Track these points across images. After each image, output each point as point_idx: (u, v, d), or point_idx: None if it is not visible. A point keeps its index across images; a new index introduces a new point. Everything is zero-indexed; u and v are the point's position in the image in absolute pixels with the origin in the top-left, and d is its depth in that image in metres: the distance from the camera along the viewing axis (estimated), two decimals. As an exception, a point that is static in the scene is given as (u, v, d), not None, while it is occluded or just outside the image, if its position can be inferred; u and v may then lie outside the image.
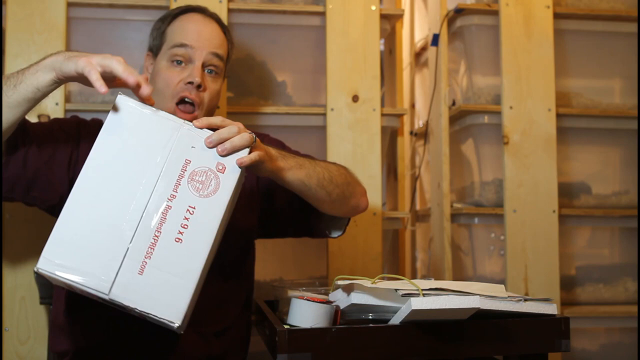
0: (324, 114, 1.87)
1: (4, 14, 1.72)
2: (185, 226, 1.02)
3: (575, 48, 2.09)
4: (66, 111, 1.74)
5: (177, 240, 1.01)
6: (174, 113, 1.36)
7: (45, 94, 1.16)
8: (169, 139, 1.07)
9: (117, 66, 1.08)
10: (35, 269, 0.98)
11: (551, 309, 1.14)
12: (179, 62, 1.38)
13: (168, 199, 1.03)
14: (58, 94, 1.73)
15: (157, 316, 0.98)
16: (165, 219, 1.02)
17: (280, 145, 1.53)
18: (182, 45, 1.38)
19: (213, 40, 1.42)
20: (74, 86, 1.81)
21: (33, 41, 1.73)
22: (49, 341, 1.50)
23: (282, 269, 1.88)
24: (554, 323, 1.13)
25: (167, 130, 1.07)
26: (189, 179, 1.05)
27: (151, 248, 1.00)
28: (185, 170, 1.05)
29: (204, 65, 1.39)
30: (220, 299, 1.37)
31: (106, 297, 0.98)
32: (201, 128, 1.09)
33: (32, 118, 1.70)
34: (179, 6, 1.51)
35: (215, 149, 1.08)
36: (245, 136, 1.10)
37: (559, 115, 1.99)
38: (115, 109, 1.07)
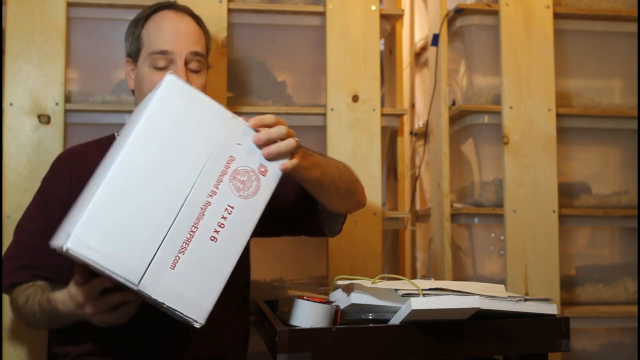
0: (324, 114, 1.87)
1: (4, 14, 1.72)
2: (222, 225, 1.00)
3: (575, 48, 2.09)
4: (66, 111, 1.73)
5: (212, 238, 0.99)
6: None
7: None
8: (216, 131, 1.03)
9: None
10: (65, 248, 0.94)
11: (551, 309, 1.14)
12: (161, 67, 1.38)
13: (209, 194, 1.00)
14: (58, 94, 1.73)
15: (182, 313, 0.97)
16: (203, 214, 0.99)
17: None
18: (161, 52, 1.37)
19: (190, 38, 1.41)
20: (74, 86, 1.81)
21: (33, 41, 1.73)
22: (49, 343, 1.50)
23: (282, 269, 1.88)
24: (554, 323, 1.13)
25: (215, 121, 1.04)
26: (231, 177, 1.02)
27: (186, 243, 0.98)
28: (229, 167, 1.03)
29: (185, 64, 1.39)
30: (220, 299, 1.37)
31: (134, 288, 0.95)
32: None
33: (32, 118, 1.71)
34: (149, 5, 1.48)
35: (260, 150, 1.06)
36: (292, 142, 1.08)
37: (559, 115, 1.99)
38: (164, 89, 1.03)
